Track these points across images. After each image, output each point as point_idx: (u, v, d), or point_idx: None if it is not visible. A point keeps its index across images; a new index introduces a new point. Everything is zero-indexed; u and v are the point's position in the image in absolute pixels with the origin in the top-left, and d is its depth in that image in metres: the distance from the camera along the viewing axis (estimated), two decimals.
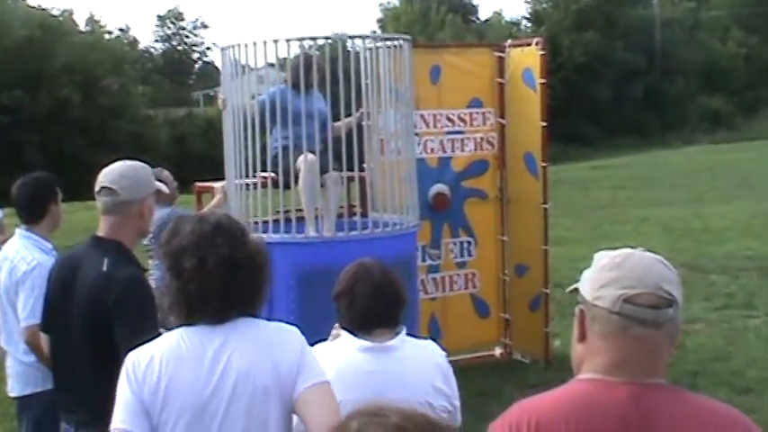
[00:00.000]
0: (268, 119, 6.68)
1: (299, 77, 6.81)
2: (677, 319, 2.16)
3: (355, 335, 3.41)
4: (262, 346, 2.74)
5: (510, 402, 2.20)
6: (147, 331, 3.41)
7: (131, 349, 2.76)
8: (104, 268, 3.61)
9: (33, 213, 5.07)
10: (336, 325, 3.56)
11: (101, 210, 3.78)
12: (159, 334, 3.15)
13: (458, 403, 3.51)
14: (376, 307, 3.40)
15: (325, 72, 6.58)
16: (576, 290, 2.24)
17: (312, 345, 2.97)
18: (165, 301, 2.78)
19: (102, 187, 3.73)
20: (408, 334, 3.57)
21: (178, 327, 2.75)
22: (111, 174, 3.75)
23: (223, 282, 2.69)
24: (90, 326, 3.59)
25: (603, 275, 2.17)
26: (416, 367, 3.40)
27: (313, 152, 6.66)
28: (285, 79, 7.03)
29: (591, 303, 2.17)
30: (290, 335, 2.83)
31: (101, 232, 3.78)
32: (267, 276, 2.83)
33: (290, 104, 6.60)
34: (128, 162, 3.86)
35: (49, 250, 4.97)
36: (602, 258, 2.21)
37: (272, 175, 6.89)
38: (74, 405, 3.72)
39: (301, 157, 6.67)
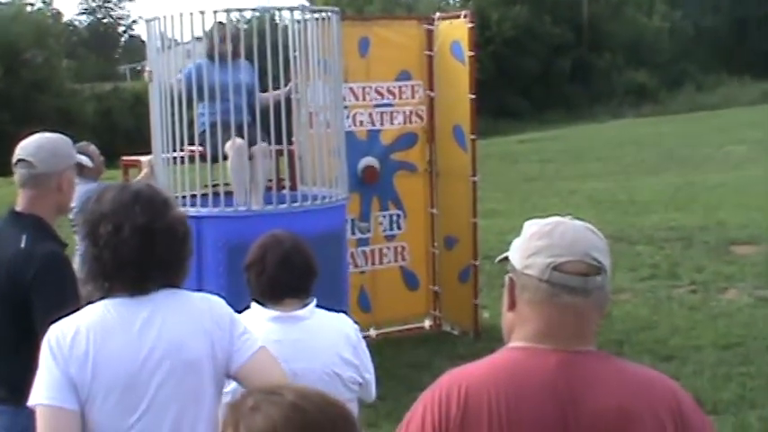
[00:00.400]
0: (195, 94, 6.62)
1: (214, 49, 6.77)
2: (606, 287, 2.16)
3: (265, 305, 3.40)
4: (190, 316, 2.70)
5: (440, 374, 2.20)
6: (65, 309, 3.35)
7: (48, 324, 2.67)
8: (22, 245, 3.52)
9: None
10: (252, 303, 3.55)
11: (18, 183, 3.69)
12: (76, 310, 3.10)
13: (369, 376, 3.51)
14: (286, 277, 3.40)
15: (240, 41, 6.53)
16: (506, 259, 2.24)
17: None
18: (82, 270, 2.73)
19: (19, 159, 3.64)
20: (336, 309, 3.57)
21: (100, 299, 2.69)
22: (28, 146, 3.66)
23: (138, 251, 2.63)
24: (8, 303, 3.52)
25: (533, 244, 2.16)
26: (324, 337, 3.39)
27: (241, 126, 6.58)
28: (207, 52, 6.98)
29: (520, 272, 2.17)
30: (218, 305, 2.81)
31: (19, 207, 3.69)
32: (188, 249, 2.78)
33: (211, 78, 6.56)
34: (46, 134, 3.76)
35: None
36: (531, 227, 2.21)
37: (200, 149, 6.83)
38: None
39: (229, 143, 6.59)
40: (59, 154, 3.70)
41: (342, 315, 3.60)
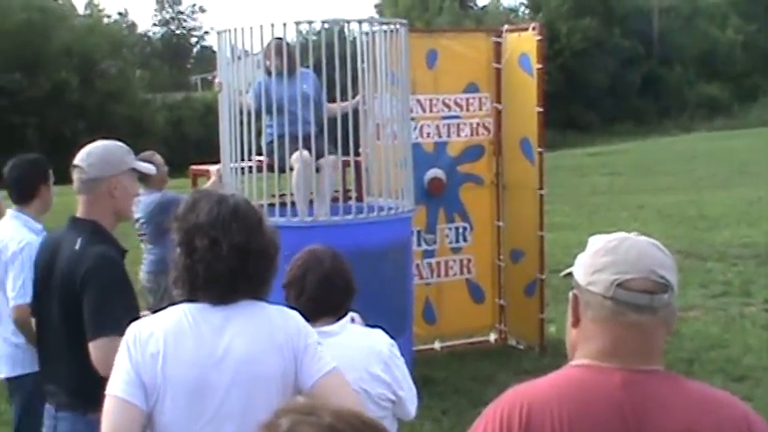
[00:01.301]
0: (264, 109, 6.70)
1: (277, 64, 6.83)
2: (672, 305, 2.11)
3: None
4: (265, 329, 2.72)
5: (504, 388, 2.17)
6: (112, 312, 3.39)
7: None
8: (77, 247, 3.58)
9: (23, 195, 5.09)
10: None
11: (74, 189, 3.75)
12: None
13: (404, 394, 3.46)
14: (325, 297, 3.40)
15: (309, 53, 6.58)
16: (570, 274, 2.21)
17: None
18: (171, 274, 2.75)
19: (74, 165, 3.71)
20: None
21: (181, 302, 2.73)
22: (82, 152, 3.73)
23: (232, 267, 2.67)
24: (64, 306, 3.57)
25: (597, 260, 2.13)
26: (352, 353, 3.34)
27: (307, 137, 6.61)
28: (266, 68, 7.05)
29: (584, 288, 2.14)
30: (293, 320, 2.82)
31: (77, 213, 3.75)
32: (276, 266, 2.82)
33: (277, 92, 6.62)
34: (102, 141, 3.81)
35: (38, 231, 4.96)
36: (596, 243, 2.18)
37: (267, 159, 6.88)
38: (54, 387, 3.70)
39: (296, 154, 6.63)
40: (109, 160, 3.72)
41: (377, 331, 3.56)
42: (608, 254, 2.12)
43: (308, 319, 3.39)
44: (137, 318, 3.26)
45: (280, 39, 6.89)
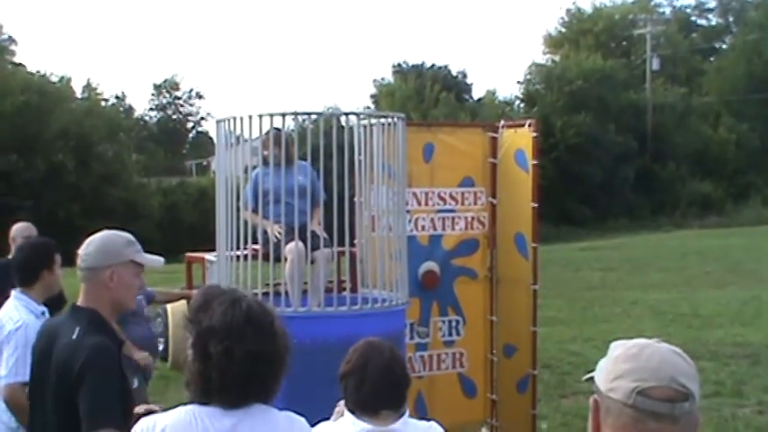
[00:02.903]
0: (260, 201, 6.73)
1: (267, 154, 6.88)
2: (695, 414, 2.10)
3: (358, 415, 3.36)
4: None
5: None
6: (105, 405, 3.37)
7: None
8: (74, 336, 3.56)
9: (25, 278, 5.21)
10: (341, 402, 3.51)
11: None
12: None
13: None
14: (385, 389, 3.37)
15: (306, 143, 6.63)
16: (592, 378, 2.20)
17: (313, 425, 2.93)
18: (185, 374, 2.74)
19: (78, 254, 3.75)
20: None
21: (191, 402, 2.73)
22: (85, 241, 3.77)
23: (245, 373, 2.66)
24: (58, 394, 3.54)
25: (618, 366, 2.12)
26: None
27: (303, 228, 6.63)
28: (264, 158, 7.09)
29: (605, 394, 2.12)
30: (299, 425, 2.84)
31: (78, 300, 3.76)
32: (286, 368, 2.80)
33: (274, 182, 6.67)
34: (106, 231, 3.84)
35: (39, 313, 5.05)
36: (616, 348, 2.17)
37: (263, 249, 6.89)
38: None
39: (290, 245, 6.65)
40: (107, 250, 3.73)
41: (433, 424, 3.56)
42: (628, 360, 2.11)
43: (367, 413, 3.36)
44: (128, 405, 3.27)
45: (278, 129, 6.95)
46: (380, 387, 3.35)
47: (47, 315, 5.09)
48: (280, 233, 6.64)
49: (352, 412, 3.38)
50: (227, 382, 2.66)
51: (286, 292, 6.63)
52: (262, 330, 2.69)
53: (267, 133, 6.94)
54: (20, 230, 7.37)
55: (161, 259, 3.99)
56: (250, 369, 2.66)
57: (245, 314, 2.69)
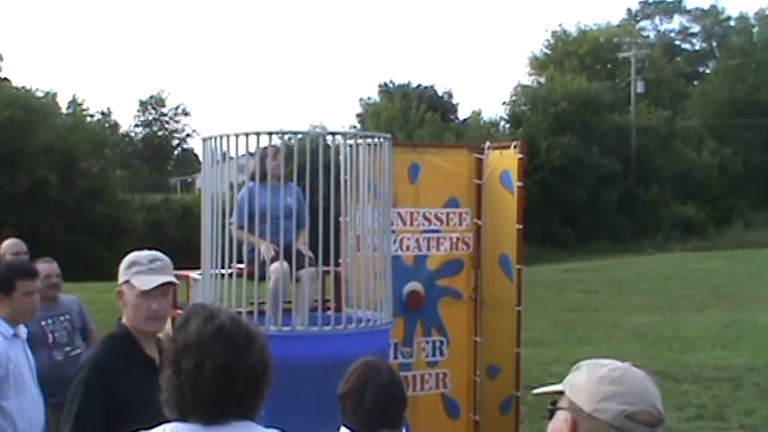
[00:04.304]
0: (246, 220, 6.73)
1: (259, 172, 6.89)
2: None
3: None
4: None
5: None
6: (65, 420, 3.57)
7: None
8: None
9: None
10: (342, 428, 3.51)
11: None
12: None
13: None
14: (384, 410, 3.37)
15: (292, 163, 6.66)
16: (561, 393, 2.23)
17: None
18: (163, 394, 2.72)
19: None
20: None
21: (173, 420, 2.71)
22: None
23: (217, 388, 2.64)
24: None
25: (603, 388, 2.17)
26: None
27: (288, 247, 6.64)
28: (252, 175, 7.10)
29: (586, 414, 2.17)
30: None
31: None
32: (266, 383, 2.76)
33: (260, 201, 6.69)
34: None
35: (6, 332, 5.07)
36: (596, 369, 2.22)
37: (247, 267, 6.89)
38: None
39: (275, 264, 6.65)
40: (120, 270, 3.94)
41: None
42: (614, 383, 2.17)
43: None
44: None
45: (276, 146, 6.99)
46: (379, 408, 3.36)
47: (22, 336, 5.18)
48: (276, 250, 6.64)
49: (350, 430, 3.39)
50: (199, 396, 2.64)
51: None
52: (233, 344, 2.67)
53: (266, 148, 6.96)
54: (8, 247, 7.34)
55: (158, 279, 3.86)
56: (222, 383, 2.63)
57: (216, 328, 2.68)
